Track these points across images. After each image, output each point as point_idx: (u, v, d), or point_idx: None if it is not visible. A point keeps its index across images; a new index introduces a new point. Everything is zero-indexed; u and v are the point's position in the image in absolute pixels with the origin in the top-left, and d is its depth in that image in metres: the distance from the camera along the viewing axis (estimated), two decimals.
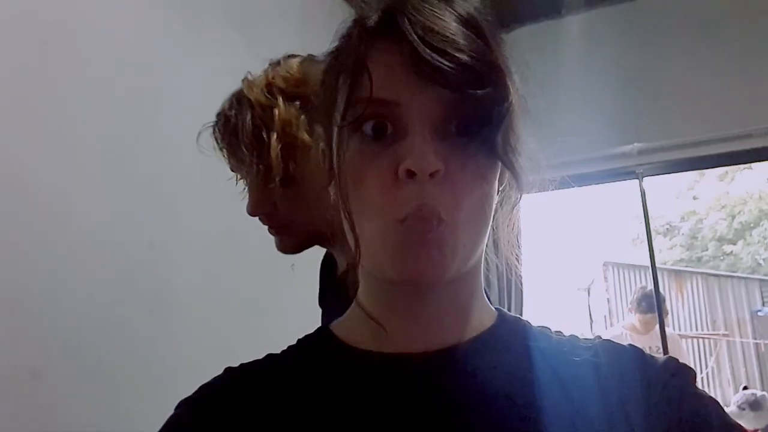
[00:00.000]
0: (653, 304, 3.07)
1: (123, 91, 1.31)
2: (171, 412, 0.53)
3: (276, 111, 0.80)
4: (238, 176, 0.88)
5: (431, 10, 0.47)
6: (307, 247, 0.88)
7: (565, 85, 2.62)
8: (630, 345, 0.55)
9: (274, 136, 0.79)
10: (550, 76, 2.55)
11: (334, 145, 0.50)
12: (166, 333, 1.34)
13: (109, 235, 1.25)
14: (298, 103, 0.81)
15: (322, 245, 0.89)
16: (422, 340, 0.51)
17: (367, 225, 0.48)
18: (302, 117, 0.81)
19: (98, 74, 1.26)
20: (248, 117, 0.81)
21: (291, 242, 0.87)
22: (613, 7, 2.79)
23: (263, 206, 0.84)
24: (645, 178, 2.79)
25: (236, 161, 0.85)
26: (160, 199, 1.36)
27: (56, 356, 1.11)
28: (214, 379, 0.55)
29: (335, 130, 0.50)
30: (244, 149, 0.81)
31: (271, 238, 0.83)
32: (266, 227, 0.87)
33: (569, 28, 2.85)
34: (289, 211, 0.83)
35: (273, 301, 1.68)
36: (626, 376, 0.51)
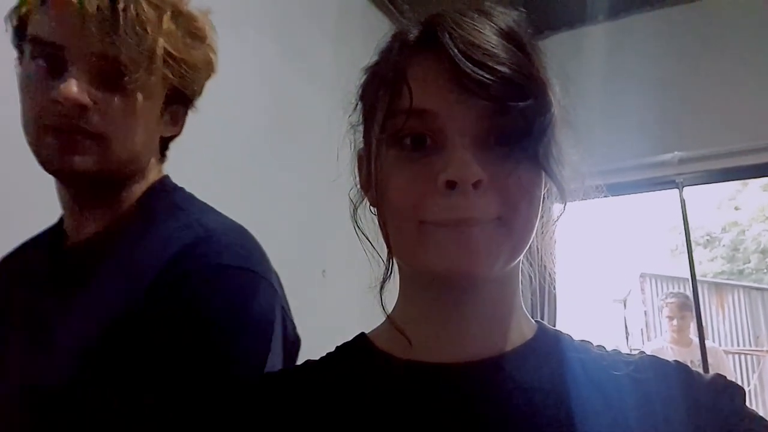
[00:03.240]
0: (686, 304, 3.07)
1: None
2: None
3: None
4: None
5: (471, 23, 0.48)
6: (94, 186, 0.69)
7: (604, 92, 2.58)
8: (675, 361, 0.53)
9: (167, 15, 0.68)
10: (588, 83, 2.52)
11: (372, 155, 0.51)
12: None
13: None
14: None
15: (105, 193, 0.71)
16: (461, 350, 0.51)
17: (406, 227, 0.48)
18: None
19: None
20: None
21: (86, 164, 0.65)
22: (652, 13, 2.74)
23: (89, 97, 0.64)
24: (685, 188, 2.73)
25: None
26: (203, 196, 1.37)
27: None
28: (252, 382, 0.56)
29: (374, 140, 0.51)
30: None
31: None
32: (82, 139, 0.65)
33: (607, 34, 2.81)
34: (108, 121, 0.65)
35: (302, 307, 1.69)
36: (672, 394, 0.49)
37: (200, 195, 0.73)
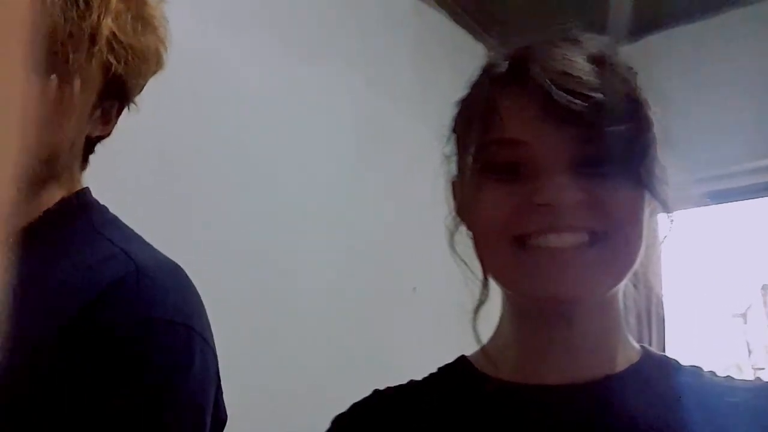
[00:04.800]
0: None
1: (250, 137, 1.41)
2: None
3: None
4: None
5: (561, 53, 0.48)
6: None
7: (705, 92, 2.44)
8: None
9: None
10: (687, 83, 2.39)
11: (466, 183, 0.52)
12: (291, 353, 1.41)
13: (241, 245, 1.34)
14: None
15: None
16: (563, 373, 0.51)
17: (500, 247, 0.49)
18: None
19: (229, 122, 1.37)
20: None
21: None
22: (749, 9, 2.57)
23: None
24: None
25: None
26: (285, 224, 1.45)
27: None
28: (364, 399, 0.58)
29: (468, 170, 0.52)
30: None
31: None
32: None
33: (703, 31, 2.66)
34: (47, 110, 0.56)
35: (393, 324, 1.71)
36: None
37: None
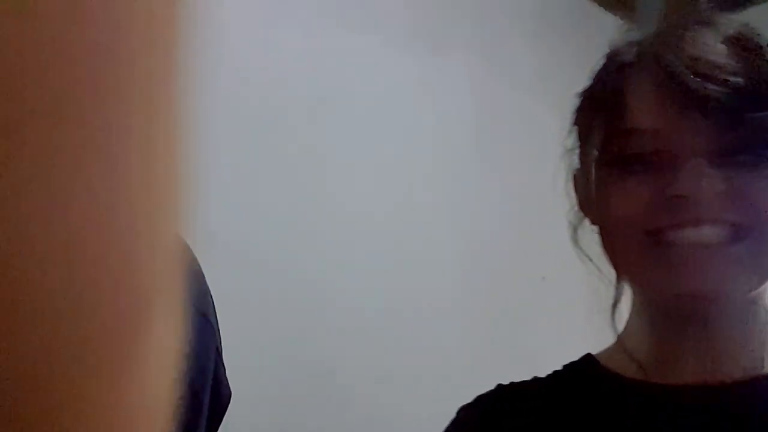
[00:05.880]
0: None
1: (368, 133, 1.44)
2: None
3: None
4: None
5: (695, 36, 0.46)
6: None
7: None
8: None
9: None
10: None
11: (591, 176, 0.51)
12: (418, 339, 1.43)
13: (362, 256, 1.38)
14: None
15: None
16: (702, 374, 0.49)
17: (633, 243, 0.47)
18: None
19: (345, 118, 1.41)
20: None
21: None
22: None
23: None
24: None
25: None
26: (410, 219, 1.47)
27: None
28: (488, 392, 0.59)
29: (593, 162, 0.51)
30: None
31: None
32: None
33: None
34: None
35: (522, 313, 1.69)
36: None
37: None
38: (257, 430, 1.10)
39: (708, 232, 0.44)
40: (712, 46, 0.45)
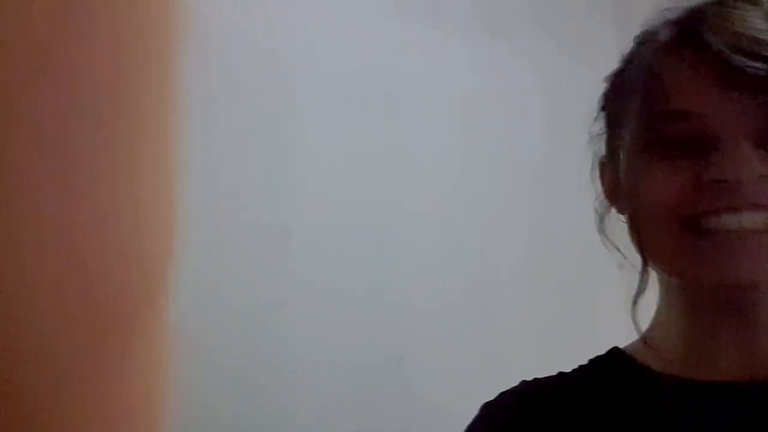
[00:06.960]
0: None
1: (437, 124, 1.44)
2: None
3: None
4: None
5: (735, 12, 0.44)
6: None
7: None
8: None
9: None
10: None
11: (623, 162, 0.50)
12: (492, 341, 1.44)
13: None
14: None
15: None
16: (739, 369, 0.47)
17: (668, 230, 0.46)
18: None
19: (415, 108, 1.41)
20: None
21: None
22: None
23: None
24: None
25: None
26: (481, 211, 1.46)
27: None
28: (512, 388, 0.58)
29: (625, 148, 0.50)
30: None
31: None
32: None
33: None
34: None
35: (591, 300, 1.65)
36: None
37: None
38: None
39: (748, 219, 0.42)
40: (755, 23, 0.43)
